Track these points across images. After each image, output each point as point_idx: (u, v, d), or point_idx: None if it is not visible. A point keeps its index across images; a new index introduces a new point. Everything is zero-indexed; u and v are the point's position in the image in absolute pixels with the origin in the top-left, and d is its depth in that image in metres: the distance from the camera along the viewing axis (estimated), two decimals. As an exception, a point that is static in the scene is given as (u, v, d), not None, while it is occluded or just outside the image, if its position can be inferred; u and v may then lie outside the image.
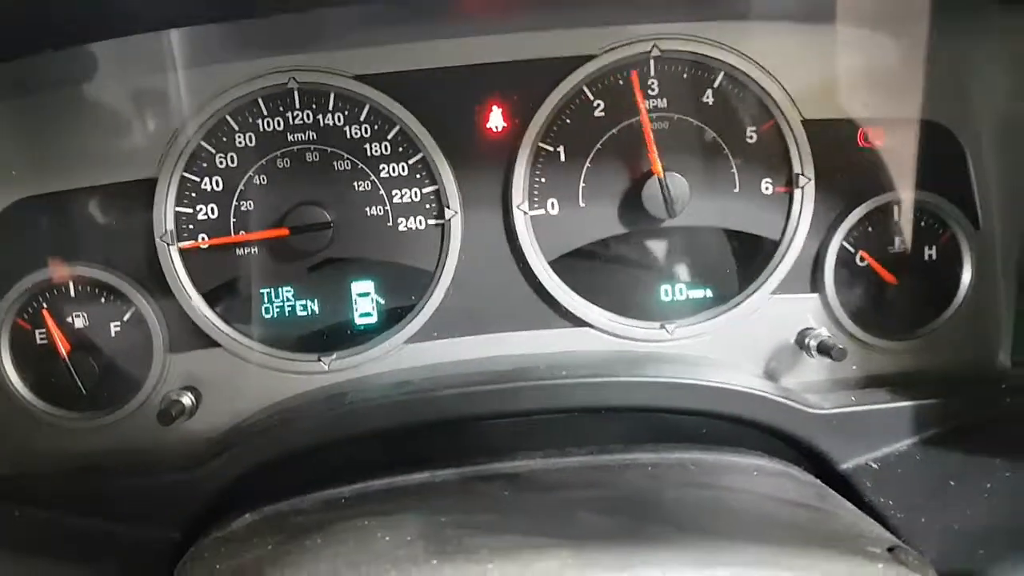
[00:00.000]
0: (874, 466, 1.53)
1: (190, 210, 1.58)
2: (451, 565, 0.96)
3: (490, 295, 1.65)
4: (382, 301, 1.65)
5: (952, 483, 1.43)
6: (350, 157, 1.60)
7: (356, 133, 1.59)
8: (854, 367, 1.67)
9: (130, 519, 1.47)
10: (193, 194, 1.58)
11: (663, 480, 1.27)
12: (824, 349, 1.57)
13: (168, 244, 1.57)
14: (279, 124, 1.58)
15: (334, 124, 1.59)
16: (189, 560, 1.26)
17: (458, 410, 1.51)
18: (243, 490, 1.45)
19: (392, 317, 1.65)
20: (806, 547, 1.05)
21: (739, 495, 1.25)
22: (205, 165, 1.58)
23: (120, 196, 1.57)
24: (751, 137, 1.62)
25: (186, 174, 1.57)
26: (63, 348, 1.58)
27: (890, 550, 1.11)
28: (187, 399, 1.56)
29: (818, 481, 1.42)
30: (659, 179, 1.57)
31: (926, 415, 1.56)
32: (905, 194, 1.64)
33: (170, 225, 1.57)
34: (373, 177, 1.61)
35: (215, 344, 1.61)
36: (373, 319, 1.66)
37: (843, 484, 1.50)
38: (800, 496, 1.29)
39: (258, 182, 1.59)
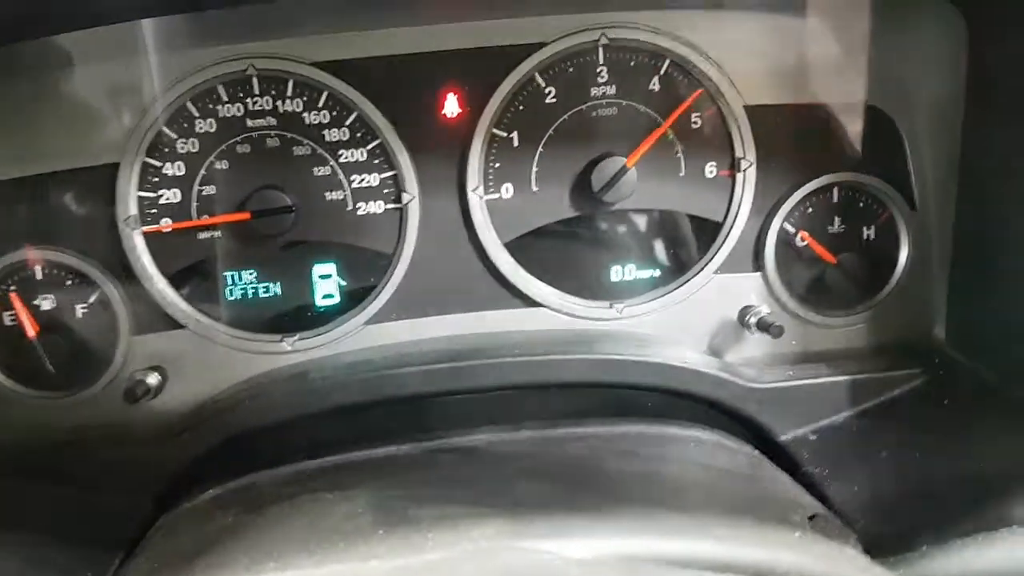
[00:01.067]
0: (812, 438, 1.62)
1: (153, 194, 1.62)
2: (394, 535, 1.02)
3: (447, 277, 1.71)
4: (343, 283, 1.71)
5: (884, 454, 1.51)
6: (309, 142, 1.64)
7: (315, 119, 1.63)
8: (794, 343, 1.75)
9: (101, 490, 1.52)
10: (155, 179, 1.62)
11: (604, 451, 1.35)
12: (763, 326, 1.65)
13: (131, 228, 1.61)
14: (239, 110, 1.62)
15: (293, 110, 1.63)
16: (155, 530, 1.33)
17: (417, 387, 1.58)
18: (210, 464, 1.52)
19: (353, 298, 1.71)
20: (730, 514, 1.13)
21: (673, 465, 1.33)
22: (167, 150, 1.61)
23: (84, 181, 1.60)
24: (695, 123, 1.69)
25: (148, 159, 1.61)
26: (31, 329, 1.62)
27: (811, 518, 1.19)
28: (152, 379, 1.61)
29: (754, 451, 1.50)
30: (625, 166, 1.63)
31: (862, 389, 1.65)
32: (844, 176, 1.71)
33: (133, 210, 1.61)
34: (332, 162, 1.65)
35: (180, 326, 1.66)
36: (335, 300, 1.71)
37: (782, 455, 1.59)
38: (733, 466, 1.37)
39: (219, 167, 1.62)
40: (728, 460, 1.39)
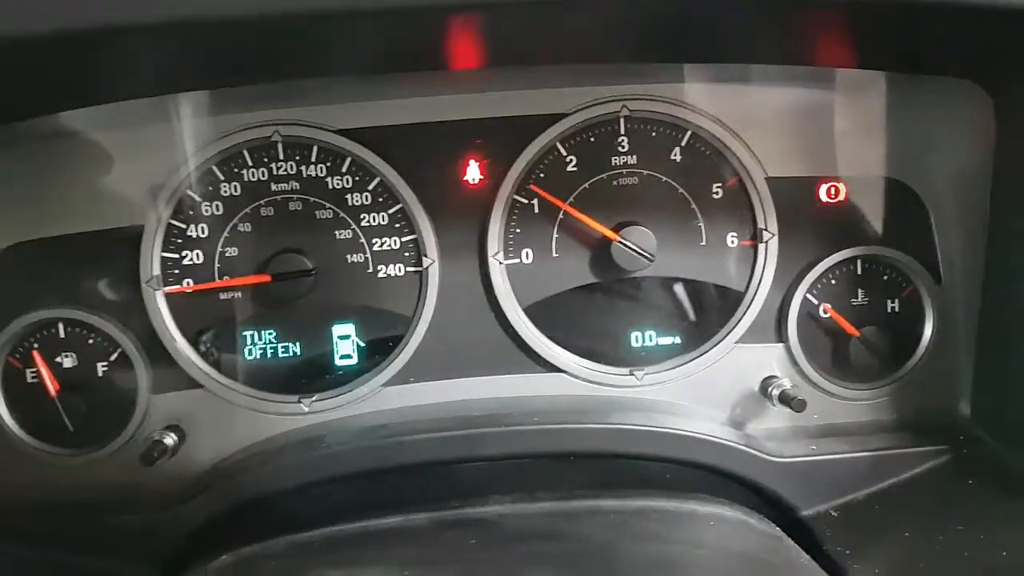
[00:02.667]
0: (834, 514, 1.58)
1: (176, 255, 1.64)
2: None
3: (466, 341, 1.71)
4: (362, 344, 1.71)
5: (907, 534, 1.48)
6: (332, 207, 1.66)
7: (338, 184, 1.66)
8: (816, 416, 1.72)
9: (109, 555, 1.52)
10: (179, 240, 1.64)
11: (619, 532, 1.32)
12: (786, 399, 1.62)
13: (154, 289, 1.63)
14: (263, 174, 1.64)
15: (317, 175, 1.65)
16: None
17: (431, 454, 1.57)
18: (223, 529, 1.51)
19: (371, 360, 1.71)
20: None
21: (691, 550, 1.29)
22: (191, 212, 1.64)
23: (108, 242, 1.62)
24: (717, 193, 1.68)
25: (173, 221, 1.63)
26: (52, 387, 1.64)
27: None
28: (169, 439, 1.61)
29: (776, 531, 1.46)
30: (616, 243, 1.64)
31: (886, 465, 1.61)
32: (867, 250, 1.70)
33: (156, 270, 1.63)
34: (354, 226, 1.67)
35: (198, 385, 1.66)
36: (353, 361, 1.71)
37: (804, 531, 1.55)
38: (754, 548, 1.33)
39: (242, 229, 1.65)
40: (749, 543, 1.36)
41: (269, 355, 1.69)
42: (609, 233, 1.65)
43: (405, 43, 1.35)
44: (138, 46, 1.17)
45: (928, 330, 1.72)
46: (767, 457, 1.58)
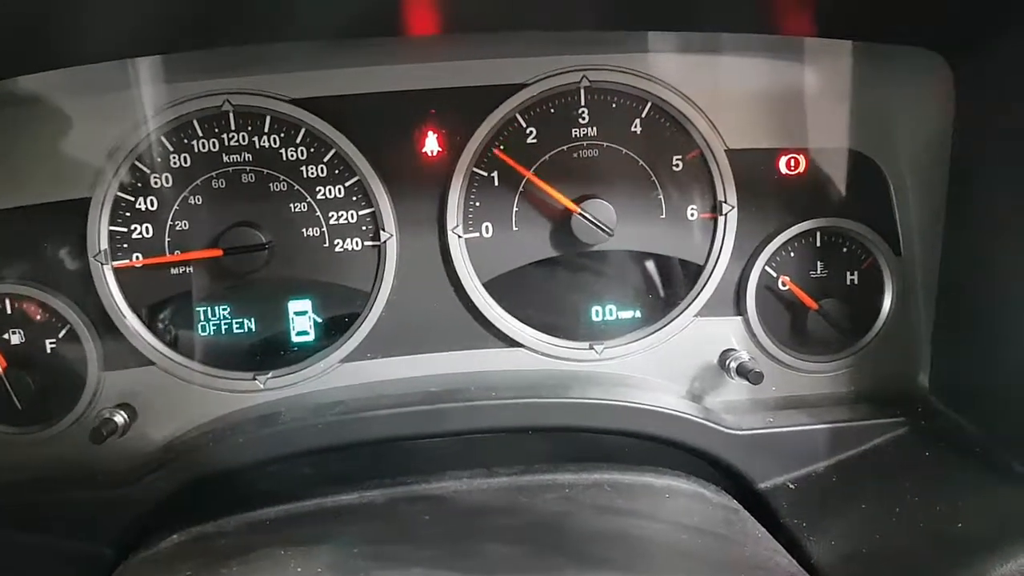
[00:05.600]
0: (791, 486, 1.59)
1: (124, 229, 1.60)
2: (355, 598, 0.99)
3: (425, 316, 1.69)
4: (319, 320, 1.68)
5: (864, 506, 1.49)
6: (286, 179, 1.62)
7: (292, 155, 1.62)
8: (774, 388, 1.72)
9: (61, 534, 1.49)
10: (128, 213, 1.60)
11: (576, 504, 1.32)
12: (743, 372, 1.62)
13: (102, 263, 1.58)
14: (214, 145, 1.60)
15: (270, 146, 1.61)
16: (113, 581, 1.29)
17: (389, 431, 1.55)
18: (175, 508, 1.49)
19: (328, 336, 1.68)
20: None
21: (647, 522, 1.29)
22: (140, 185, 1.59)
23: (55, 215, 1.58)
24: (677, 165, 1.67)
25: (120, 194, 1.58)
26: (-1, 364, 1.60)
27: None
28: (120, 417, 1.58)
29: (731, 503, 1.47)
30: (577, 214, 1.61)
31: (843, 437, 1.62)
32: (827, 221, 1.69)
33: (104, 244, 1.58)
34: (309, 199, 1.63)
35: (150, 362, 1.63)
36: (310, 337, 1.68)
37: (761, 504, 1.56)
38: (708, 521, 1.34)
39: (193, 202, 1.60)
40: (704, 515, 1.36)
41: (223, 331, 1.66)
42: (570, 205, 1.62)
43: (361, 6, 1.32)
44: (89, 5, 1.12)
45: (887, 302, 1.72)
46: (724, 430, 1.58)
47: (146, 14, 1.26)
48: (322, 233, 1.64)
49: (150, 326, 1.63)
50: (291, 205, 1.63)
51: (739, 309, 1.71)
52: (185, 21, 1.35)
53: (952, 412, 1.63)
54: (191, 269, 1.63)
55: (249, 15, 1.34)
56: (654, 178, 1.67)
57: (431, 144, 1.64)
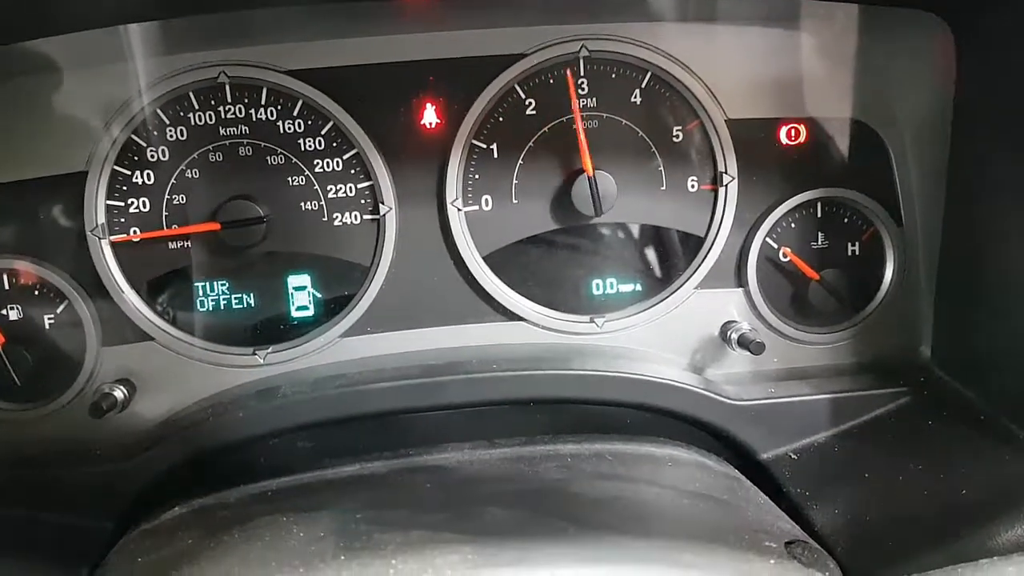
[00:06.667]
0: (793, 456, 1.58)
1: (121, 203, 1.59)
2: (357, 561, 0.99)
3: (425, 290, 1.68)
4: (318, 295, 1.67)
5: (866, 475, 1.48)
6: (284, 152, 1.61)
7: (289, 128, 1.60)
8: (776, 359, 1.72)
9: (62, 509, 1.48)
10: (124, 187, 1.59)
11: (577, 472, 1.31)
12: (744, 343, 1.62)
13: (99, 238, 1.57)
14: (211, 118, 1.58)
15: (267, 119, 1.60)
16: (115, 553, 1.29)
17: (390, 404, 1.55)
18: (176, 481, 1.48)
19: (328, 310, 1.67)
20: (704, 542, 1.09)
21: (648, 488, 1.29)
22: (136, 159, 1.58)
23: (53, 190, 1.57)
24: (677, 136, 1.66)
25: (117, 167, 1.57)
26: (-4, 340, 1.59)
27: (788, 544, 1.16)
28: (119, 392, 1.57)
29: (733, 471, 1.46)
30: (589, 177, 1.60)
31: (845, 407, 1.62)
32: (828, 192, 1.68)
33: (101, 219, 1.57)
34: (307, 172, 1.62)
35: (149, 338, 1.62)
36: (309, 312, 1.68)
37: (763, 474, 1.56)
38: (709, 488, 1.33)
39: (190, 176, 1.59)
40: (706, 482, 1.36)
41: (222, 306, 1.65)
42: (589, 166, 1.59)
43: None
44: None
45: (889, 272, 1.72)
46: (726, 400, 1.58)
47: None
48: (320, 207, 1.64)
49: (148, 301, 1.62)
50: (289, 178, 1.62)
51: (740, 281, 1.71)
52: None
53: (954, 381, 1.63)
54: (188, 243, 1.62)
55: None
56: (654, 149, 1.66)
57: (429, 116, 1.62)
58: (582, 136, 1.60)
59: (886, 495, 1.42)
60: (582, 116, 1.63)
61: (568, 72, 1.61)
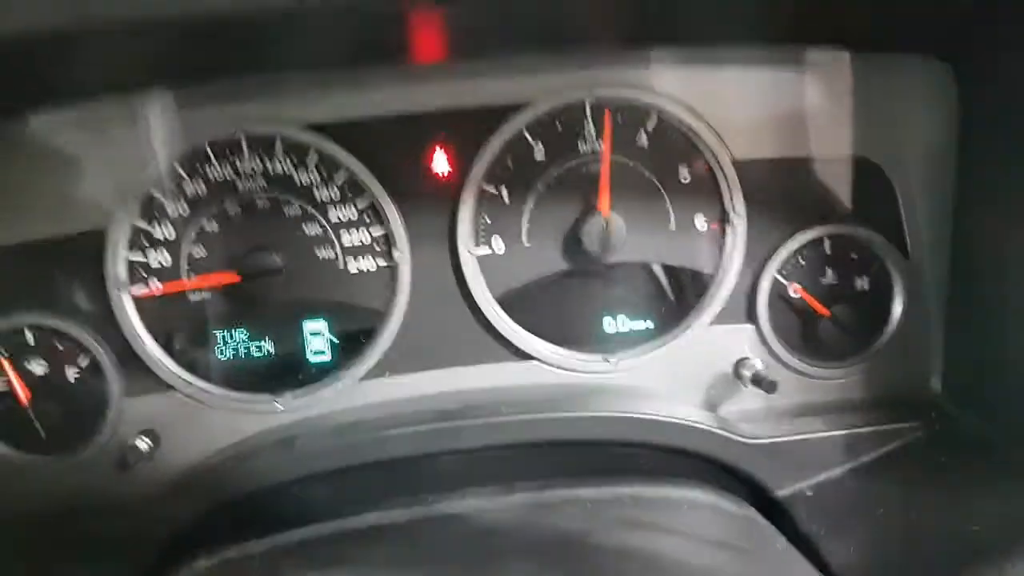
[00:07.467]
0: (808, 493, 1.59)
1: (142, 257, 1.62)
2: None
3: (440, 332, 1.70)
4: (335, 340, 1.70)
5: (880, 511, 1.49)
6: (299, 202, 1.64)
7: (305, 179, 1.64)
8: (789, 396, 1.73)
9: (88, 561, 1.50)
10: (145, 242, 1.62)
11: (596, 521, 1.33)
12: (757, 381, 1.64)
13: (121, 291, 1.61)
14: (229, 172, 1.62)
15: (283, 171, 1.63)
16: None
17: (405, 450, 1.56)
18: (200, 532, 1.50)
19: (345, 355, 1.70)
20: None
21: (667, 538, 1.30)
22: (156, 213, 1.61)
23: (75, 246, 1.60)
24: (684, 177, 1.68)
25: (138, 223, 1.61)
26: (23, 395, 1.62)
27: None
28: (143, 444, 1.60)
29: (750, 513, 1.47)
30: (604, 218, 1.62)
31: (859, 442, 1.63)
32: (835, 228, 1.70)
33: (122, 274, 1.61)
34: (323, 221, 1.65)
35: (171, 388, 1.65)
36: (327, 358, 1.70)
37: (779, 512, 1.57)
38: (727, 534, 1.35)
39: (209, 229, 1.63)
40: (724, 529, 1.37)
41: (241, 354, 1.68)
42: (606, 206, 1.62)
43: (366, 39, 1.34)
44: (97, 44, 1.14)
45: (898, 306, 1.73)
46: (742, 439, 1.59)
47: (146, 52, 1.27)
48: (336, 254, 1.67)
49: (170, 352, 1.65)
50: (305, 228, 1.65)
51: (751, 318, 1.73)
52: (186, 57, 1.37)
53: (965, 414, 1.64)
54: (208, 295, 1.65)
55: (253, 49, 1.36)
56: (662, 191, 1.68)
57: (441, 163, 1.65)
58: (605, 177, 1.62)
59: (901, 531, 1.42)
60: (591, 159, 1.65)
61: (606, 113, 1.64)
